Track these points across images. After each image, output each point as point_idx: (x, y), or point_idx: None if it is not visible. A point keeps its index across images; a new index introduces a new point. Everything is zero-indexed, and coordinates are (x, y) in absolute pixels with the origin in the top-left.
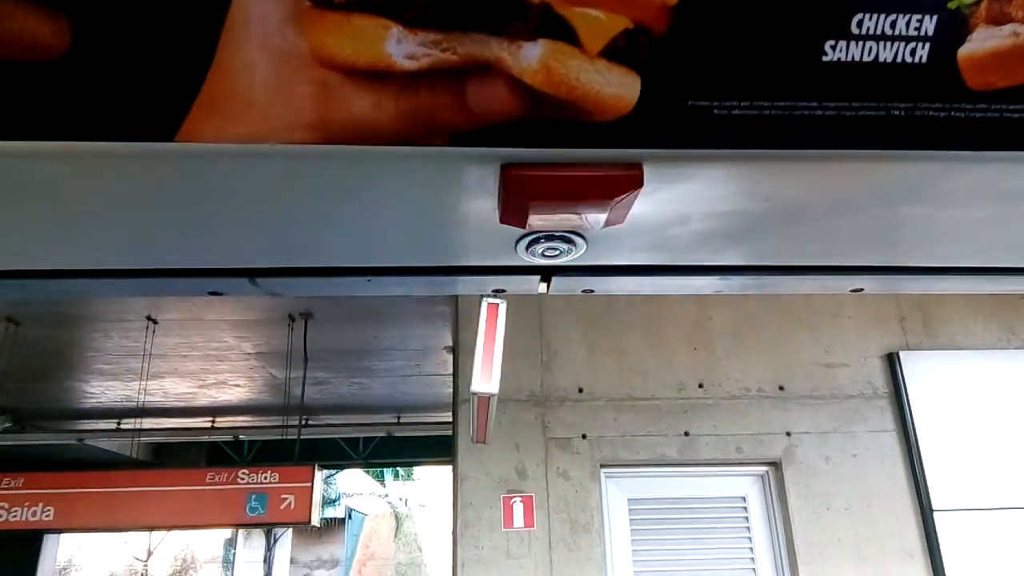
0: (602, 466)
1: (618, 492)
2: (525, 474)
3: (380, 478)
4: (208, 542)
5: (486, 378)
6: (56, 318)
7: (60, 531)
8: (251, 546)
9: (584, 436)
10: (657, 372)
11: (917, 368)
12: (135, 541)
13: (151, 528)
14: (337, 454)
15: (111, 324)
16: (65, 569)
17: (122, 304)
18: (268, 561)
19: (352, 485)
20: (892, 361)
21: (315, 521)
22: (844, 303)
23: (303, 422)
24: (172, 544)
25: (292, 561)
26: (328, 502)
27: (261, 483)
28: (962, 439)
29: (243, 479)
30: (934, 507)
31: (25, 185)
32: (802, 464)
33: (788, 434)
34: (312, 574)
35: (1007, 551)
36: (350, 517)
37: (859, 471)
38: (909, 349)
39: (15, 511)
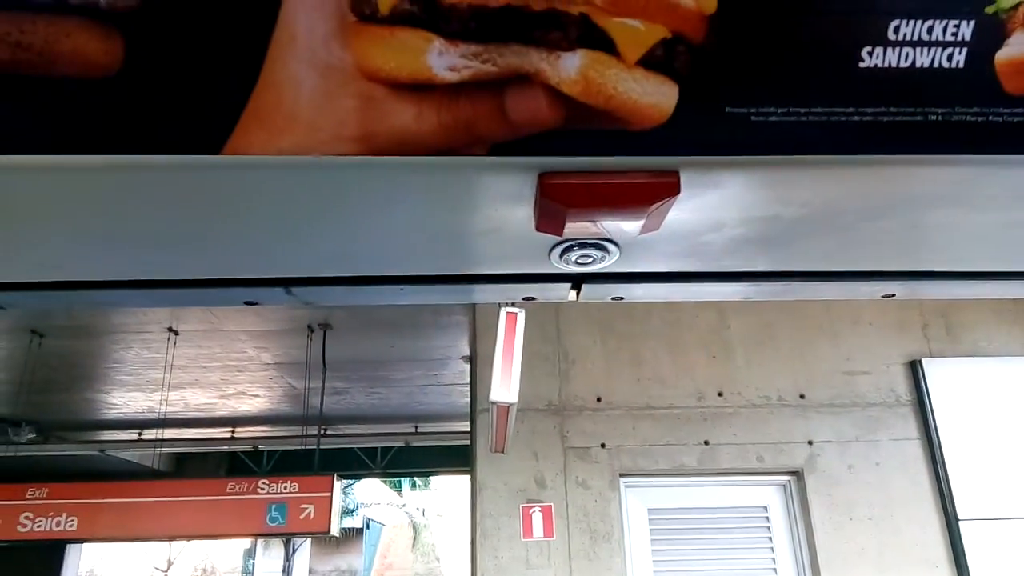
0: (621, 475)
1: (637, 502)
2: (544, 483)
3: (397, 488)
4: (228, 552)
5: (505, 387)
6: (78, 330)
7: (83, 541)
8: (270, 556)
9: (603, 445)
10: (676, 380)
11: (940, 375)
12: (155, 550)
13: (173, 538)
14: (355, 464)
15: (133, 336)
16: None
17: (143, 316)
18: (287, 571)
19: (370, 495)
20: (915, 368)
21: (334, 531)
22: (865, 310)
23: (322, 432)
24: (192, 554)
25: (311, 571)
26: (346, 512)
27: (281, 493)
28: (987, 447)
29: (263, 489)
30: (960, 516)
31: (73, 198)
32: (824, 473)
33: (810, 443)
34: None
35: None
36: (368, 527)
37: (882, 480)
38: (932, 356)
39: (40, 521)
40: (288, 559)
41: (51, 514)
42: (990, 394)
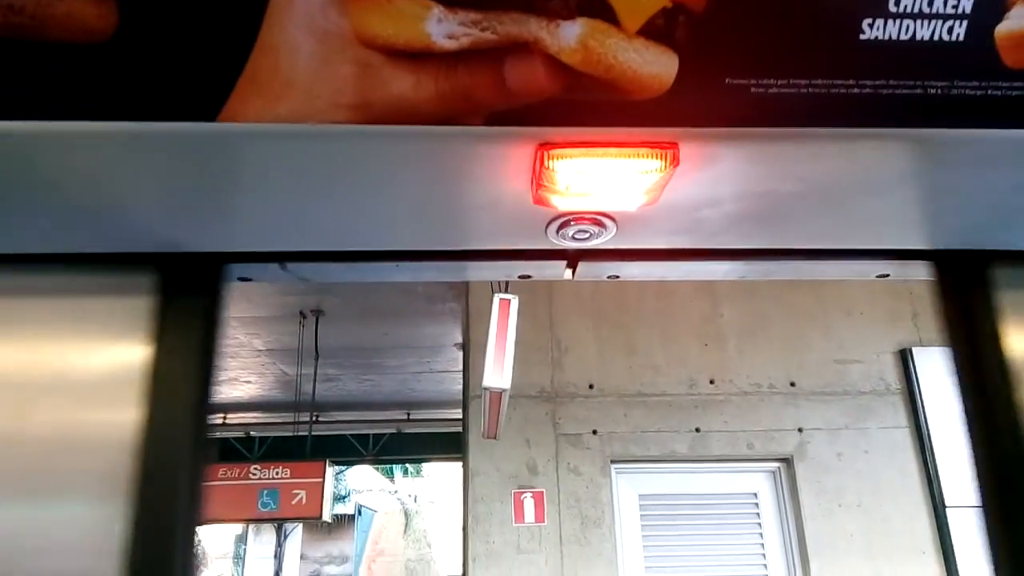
0: (612, 462)
1: (629, 488)
2: (536, 469)
3: (389, 475)
4: (219, 537)
5: (497, 373)
6: None
7: None
8: (261, 542)
9: (595, 432)
10: (668, 368)
11: (930, 364)
12: None
13: None
14: (347, 451)
15: None
16: None
17: None
18: (278, 557)
19: (362, 482)
20: (905, 357)
21: (326, 516)
22: (857, 300)
23: (314, 419)
24: None
25: (302, 557)
26: (338, 499)
27: (273, 479)
28: None
29: (255, 475)
30: (947, 503)
31: (53, 168)
32: (814, 460)
33: (800, 430)
34: (322, 570)
35: None
36: (360, 514)
37: (871, 467)
38: (922, 345)
39: None
40: (280, 544)
41: None
42: None
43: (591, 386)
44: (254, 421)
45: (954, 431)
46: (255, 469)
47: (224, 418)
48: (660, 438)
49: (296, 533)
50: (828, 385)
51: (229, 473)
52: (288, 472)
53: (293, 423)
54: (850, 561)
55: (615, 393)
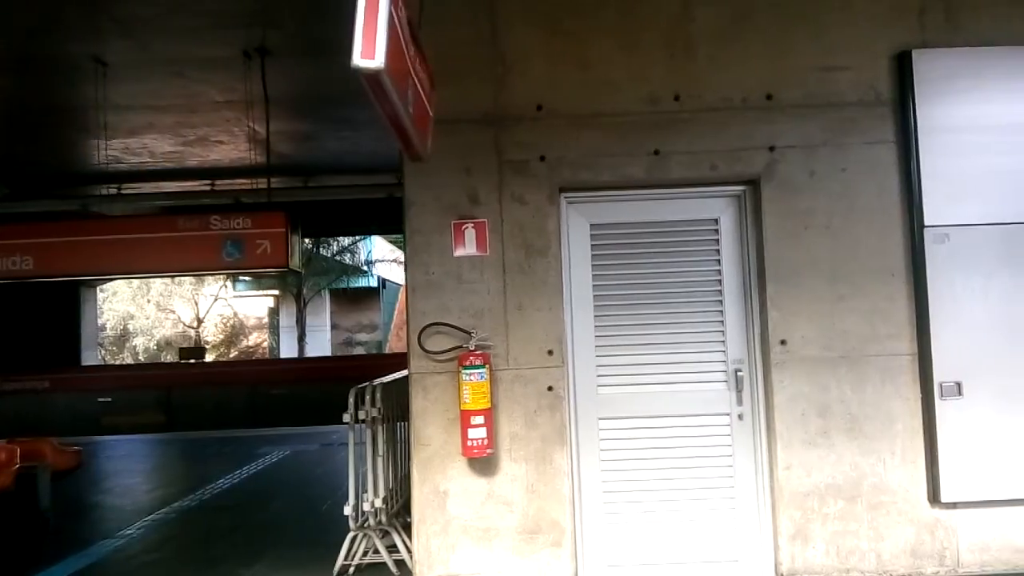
0: (562, 190)
1: (580, 218)
2: (477, 199)
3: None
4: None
5: (368, 46)
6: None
7: (39, 278)
8: (288, 313)
9: (542, 158)
10: (628, 84)
11: (932, 69)
12: (183, 311)
13: (129, 274)
14: (343, 218)
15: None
16: (123, 336)
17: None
18: (301, 323)
19: (376, 252)
20: (902, 61)
21: (293, 266)
22: None
23: (305, 184)
24: (219, 313)
25: (333, 327)
26: (360, 271)
27: (234, 228)
28: (974, 151)
29: (216, 224)
30: (926, 223)
31: None
32: (784, 181)
33: (771, 148)
34: (354, 337)
35: (1003, 266)
36: (384, 287)
37: (847, 187)
38: (926, 47)
39: None
40: (301, 311)
41: (5, 254)
42: (989, 91)
43: (539, 107)
44: (243, 188)
45: (947, 144)
46: (215, 219)
47: (212, 185)
48: (614, 163)
49: (323, 303)
50: (810, 96)
51: (188, 224)
52: (250, 222)
53: (264, 188)
54: (810, 284)
55: (566, 114)
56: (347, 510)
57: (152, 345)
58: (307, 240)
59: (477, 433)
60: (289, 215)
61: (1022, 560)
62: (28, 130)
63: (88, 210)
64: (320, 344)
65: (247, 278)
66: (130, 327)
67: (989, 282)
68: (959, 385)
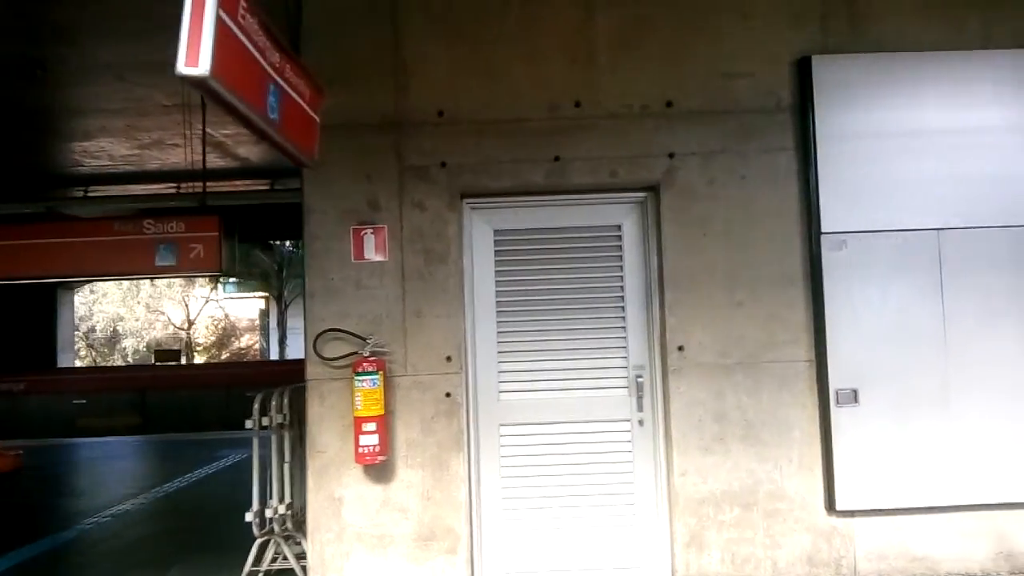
0: (463, 196)
1: (484, 224)
2: (377, 205)
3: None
4: (245, 311)
5: (192, 54)
6: None
7: None
8: (274, 315)
9: (443, 164)
10: (530, 90)
11: (832, 75)
12: (173, 313)
13: (63, 277)
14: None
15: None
16: (113, 337)
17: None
18: (282, 324)
19: None
20: (803, 68)
21: (227, 271)
22: (759, 1)
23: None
24: (209, 315)
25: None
26: None
27: (168, 232)
28: (872, 157)
29: (149, 229)
30: (823, 230)
31: None
32: (683, 188)
33: (671, 155)
34: None
35: (899, 273)
36: None
37: (746, 194)
38: (828, 52)
39: None
40: (282, 312)
41: None
42: (888, 97)
43: (441, 113)
44: (219, 190)
45: (846, 151)
46: (149, 223)
47: (178, 188)
48: (515, 169)
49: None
50: (710, 103)
51: (123, 228)
52: (183, 226)
53: (203, 193)
54: (707, 290)
55: (468, 120)
56: (249, 516)
57: (142, 347)
58: (288, 242)
59: (369, 440)
60: (223, 219)
61: (919, 569)
62: None
63: (54, 212)
64: (302, 346)
65: (234, 279)
66: (120, 329)
67: (886, 289)
68: (855, 392)
